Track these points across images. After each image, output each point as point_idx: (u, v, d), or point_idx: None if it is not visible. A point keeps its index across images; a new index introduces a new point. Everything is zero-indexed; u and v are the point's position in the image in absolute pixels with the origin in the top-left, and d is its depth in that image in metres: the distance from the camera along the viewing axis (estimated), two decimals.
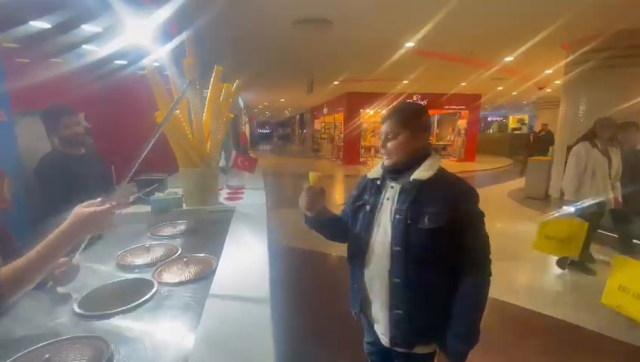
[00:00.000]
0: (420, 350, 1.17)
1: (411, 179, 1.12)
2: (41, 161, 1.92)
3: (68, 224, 0.85)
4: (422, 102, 13.24)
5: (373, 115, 14.96)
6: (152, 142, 0.95)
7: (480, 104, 13.94)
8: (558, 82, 8.17)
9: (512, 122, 21.35)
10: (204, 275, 1.25)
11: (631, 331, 2.49)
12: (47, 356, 0.78)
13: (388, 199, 1.18)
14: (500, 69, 7.53)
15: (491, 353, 2.35)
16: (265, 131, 37.85)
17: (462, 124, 14.09)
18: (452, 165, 13.19)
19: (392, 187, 1.18)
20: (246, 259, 1.27)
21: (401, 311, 1.13)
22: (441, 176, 1.12)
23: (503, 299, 2.99)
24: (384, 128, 1.18)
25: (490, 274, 1.11)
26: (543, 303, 2.99)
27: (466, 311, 1.10)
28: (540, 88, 10.52)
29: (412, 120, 1.16)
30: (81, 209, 0.87)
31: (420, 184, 1.11)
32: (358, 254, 1.22)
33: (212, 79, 2.09)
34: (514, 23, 4.57)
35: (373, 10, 4.11)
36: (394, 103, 1.41)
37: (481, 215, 1.12)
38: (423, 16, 4.24)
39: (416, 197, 1.10)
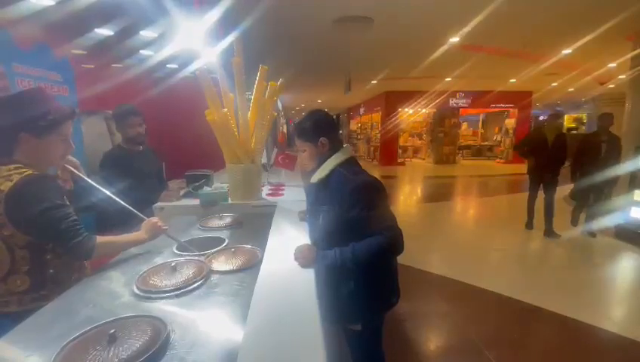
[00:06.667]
0: None
1: None
2: (105, 156, 2.11)
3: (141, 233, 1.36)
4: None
5: (413, 115, 14.54)
6: None
7: (531, 102, 13.02)
8: (622, 77, 7.41)
9: (567, 121, 19.70)
10: (251, 265, 1.29)
11: None
12: (112, 331, 0.84)
13: None
14: (555, 63, 6.97)
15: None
16: None
17: (510, 123, 13.26)
18: (499, 168, 12.47)
19: None
20: (290, 251, 1.29)
21: None
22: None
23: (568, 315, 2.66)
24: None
25: None
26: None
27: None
28: (602, 83, 9.59)
29: (309, 133, 1.37)
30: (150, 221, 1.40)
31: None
32: None
33: (257, 78, 2.15)
34: (572, 11, 4.20)
35: (415, 4, 4.00)
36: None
37: None
38: (471, 8, 4.04)
39: None
